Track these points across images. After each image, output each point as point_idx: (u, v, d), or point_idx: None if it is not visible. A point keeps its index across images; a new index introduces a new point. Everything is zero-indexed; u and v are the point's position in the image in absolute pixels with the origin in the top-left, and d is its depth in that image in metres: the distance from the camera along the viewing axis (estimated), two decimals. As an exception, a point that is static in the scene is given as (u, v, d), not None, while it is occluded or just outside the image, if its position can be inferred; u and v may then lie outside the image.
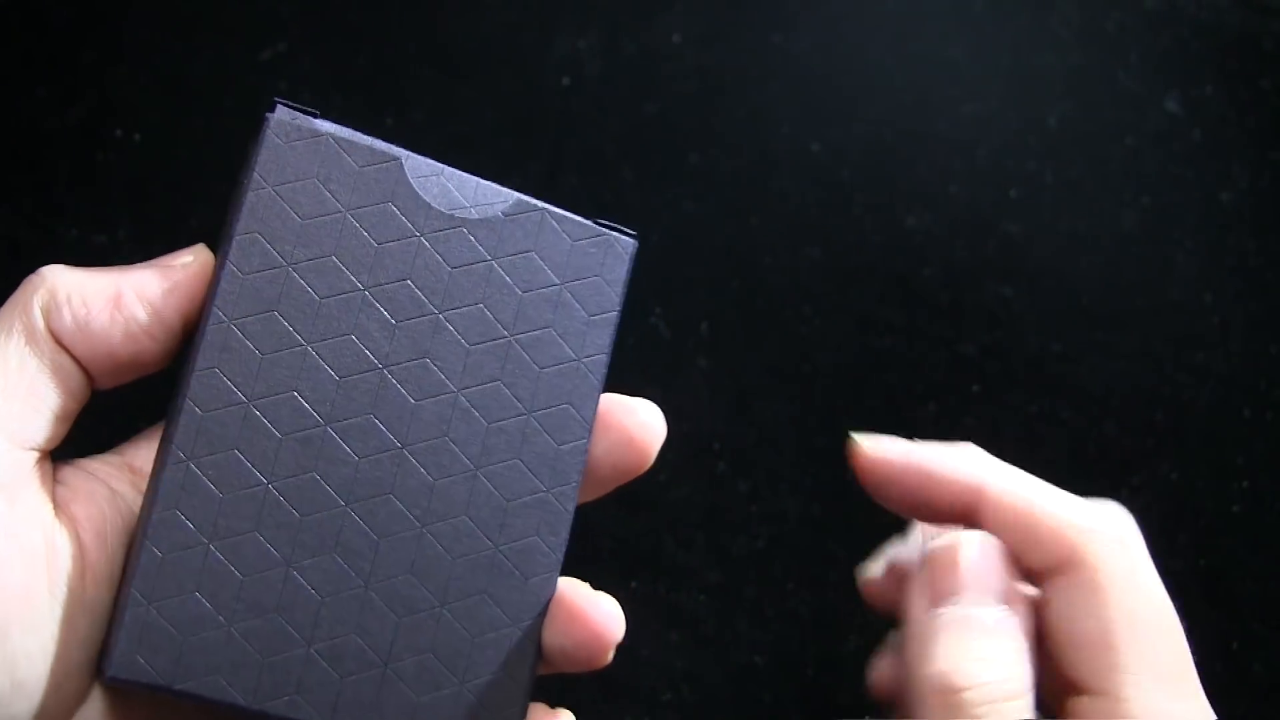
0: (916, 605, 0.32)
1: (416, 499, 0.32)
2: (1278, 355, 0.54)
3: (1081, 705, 0.31)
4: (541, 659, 0.32)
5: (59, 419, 0.30)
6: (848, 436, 0.34)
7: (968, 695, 0.29)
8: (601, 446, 0.33)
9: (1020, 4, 0.58)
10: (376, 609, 0.31)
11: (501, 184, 0.33)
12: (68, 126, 0.50)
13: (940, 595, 0.31)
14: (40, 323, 0.30)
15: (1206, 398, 0.52)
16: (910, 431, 0.51)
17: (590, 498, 0.34)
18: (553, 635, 0.32)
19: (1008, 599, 0.31)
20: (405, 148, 0.33)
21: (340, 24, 0.53)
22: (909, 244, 0.53)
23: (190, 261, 0.31)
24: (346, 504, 0.31)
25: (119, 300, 0.31)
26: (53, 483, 0.30)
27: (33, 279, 0.31)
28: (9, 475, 0.29)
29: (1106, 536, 0.31)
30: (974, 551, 0.32)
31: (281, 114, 0.32)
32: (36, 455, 0.30)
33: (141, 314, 0.31)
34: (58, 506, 0.30)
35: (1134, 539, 0.32)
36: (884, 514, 0.47)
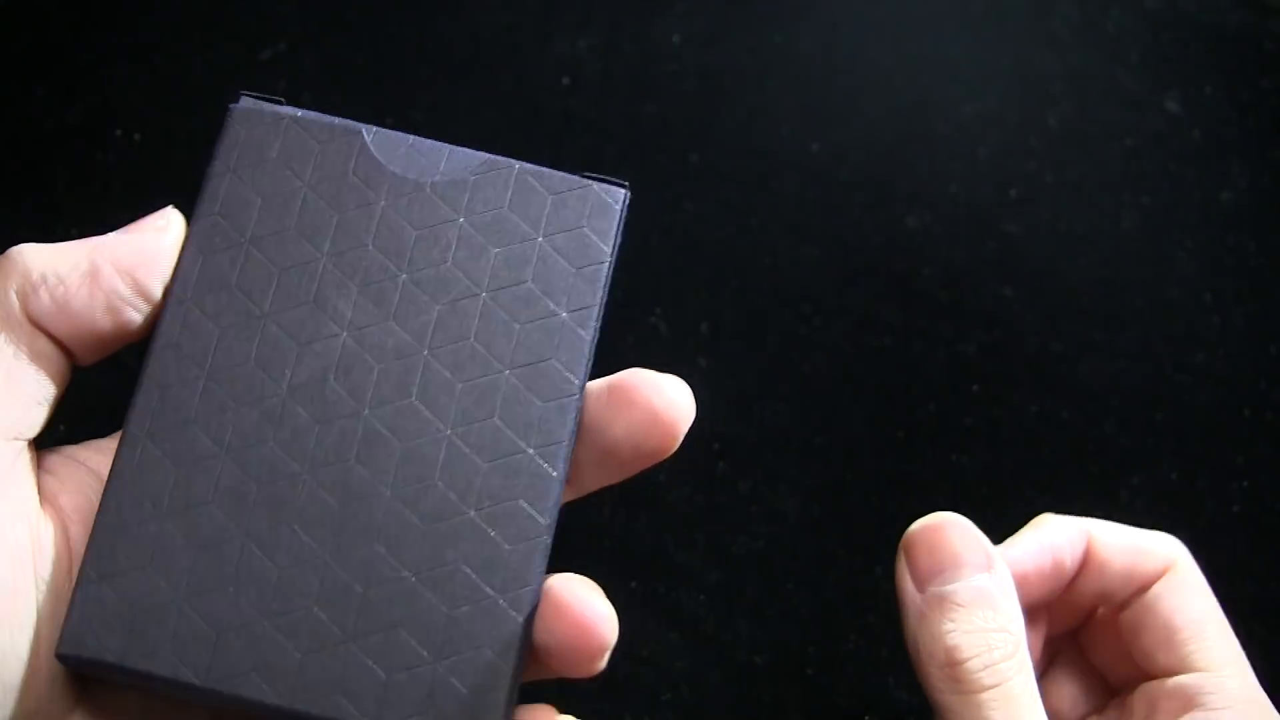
0: (906, 589, 0.33)
1: (383, 465, 0.30)
2: (1278, 355, 0.54)
3: (1172, 685, 0.34)
4: (531, 642, 0.29)
5: (41, 405, 0.29)
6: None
7: (969, 664, 0.31)
8: (622, 426, 0.31)
9: (1020, 4, 0.58)
10: (340, 581, 0.29)
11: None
12: (68, 126, 0.50)
13: (925, 575, 0.33)
14: (16, 307, 0.29)
15: (1206, 398, 0.52)
16: (910, 432, 0.51)
17: (612, 481, 0.32)
18: (538, 630, 0.29)
19: (986, 565, 0.33)
20: None
21: (340, 24, 0.53)
22: (909, 244, 0.53)
23: (164, 225, 0.31)
24: (307, 471, 0.30)
25: (97, 275, 0.30)
26: (38, 472, 0.29)
27: (4, 263, 0.30)
28: None
29: (1184, 550, 0.36)
30: (947, 529, 0.33)
31: (245, 103, 0.32)
32: (20, 445, 0.29)
33: (122, 287, 0.30)
34: (44, 497, 0.29)
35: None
36: (883, 514, 0.47)
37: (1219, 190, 0.56)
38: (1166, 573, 0.36)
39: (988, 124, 0.56)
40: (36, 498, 0.29)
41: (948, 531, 0.33)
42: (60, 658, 0.28)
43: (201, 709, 0.31)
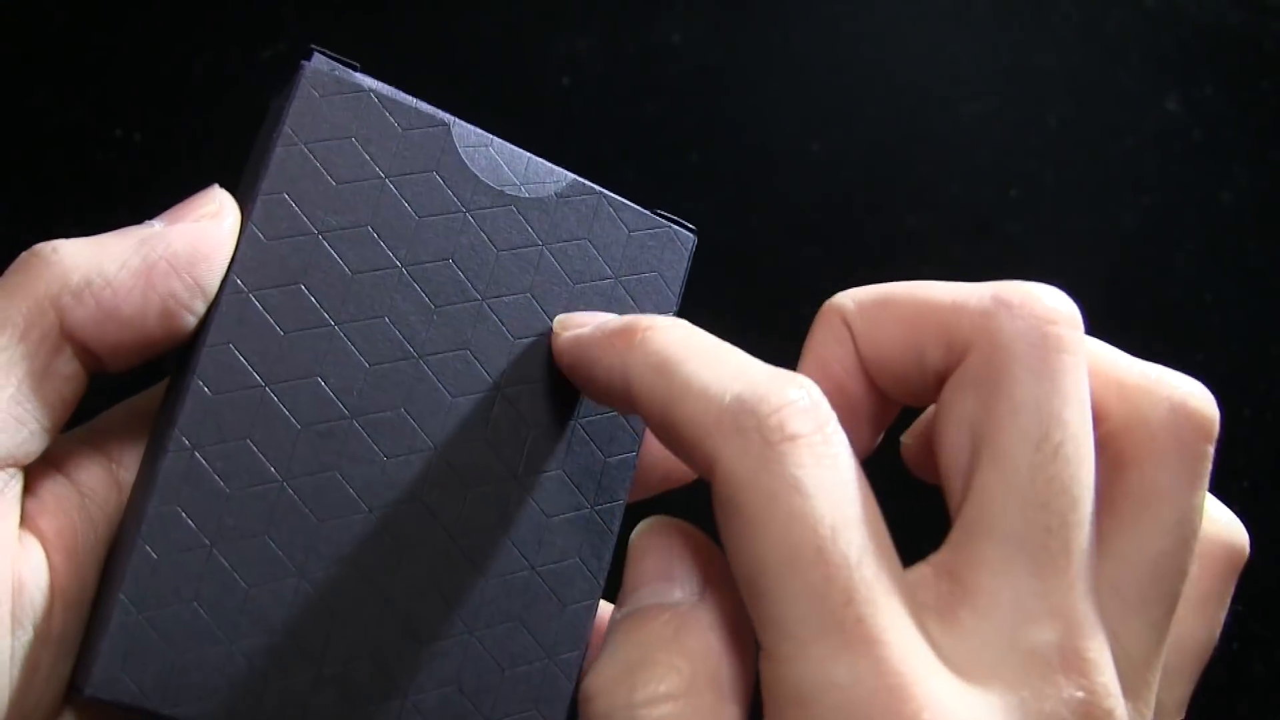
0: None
1: (450, 511, 0.27)
2: (1278, 355, 0.54)
3: (939, 560, 0.23)
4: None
5: (46, 431, 0.25)
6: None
7: (594, 705, 0.24)
8: (657, 452, 0.30)
9: (1020, 4, 0.58)
10: (398, 632, 0.27)
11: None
12: (68, 126, 0.50)
13: (623, 593, 0.26)
14: (50, 319, 0.25)
15: (1206, 398, 0.52)
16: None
17: (633, 499, 0.31)
18: (588, 662, 0.28)
19: (689, 586, 0.25)
20: None
21: (340, 24, 0.53)
22: (909, 244, 0.53)
23: (217, 210, 0.26)
24: (370, 510, 0.27)
25: (151, 274, 0.25)
26: (22, 496, 0.25)
27: (33, 263, 0.25)
28: None
29: (1018, 316, 0.24)
30: (651, 538, 0.26)
31: (318, 63, 0.28)
32: (13, 473, 0.25)
33: (180, 287, 0.26)
34: (27, 522, 0.25)
35: (1059, 334, 0.23)
36: (883, 515, 0.46)
37: (1219, 190, 0.56)
38: (966, 356, 0.24)
39: (988, 124, 0.56)
40: (17, 528, 0.25)
41: (643, 542, 0.26)
42: (86, 696, 0.25)
43: None
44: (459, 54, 0.54)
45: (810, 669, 0.21)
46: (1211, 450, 0.25)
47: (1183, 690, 0.25)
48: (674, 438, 0.23)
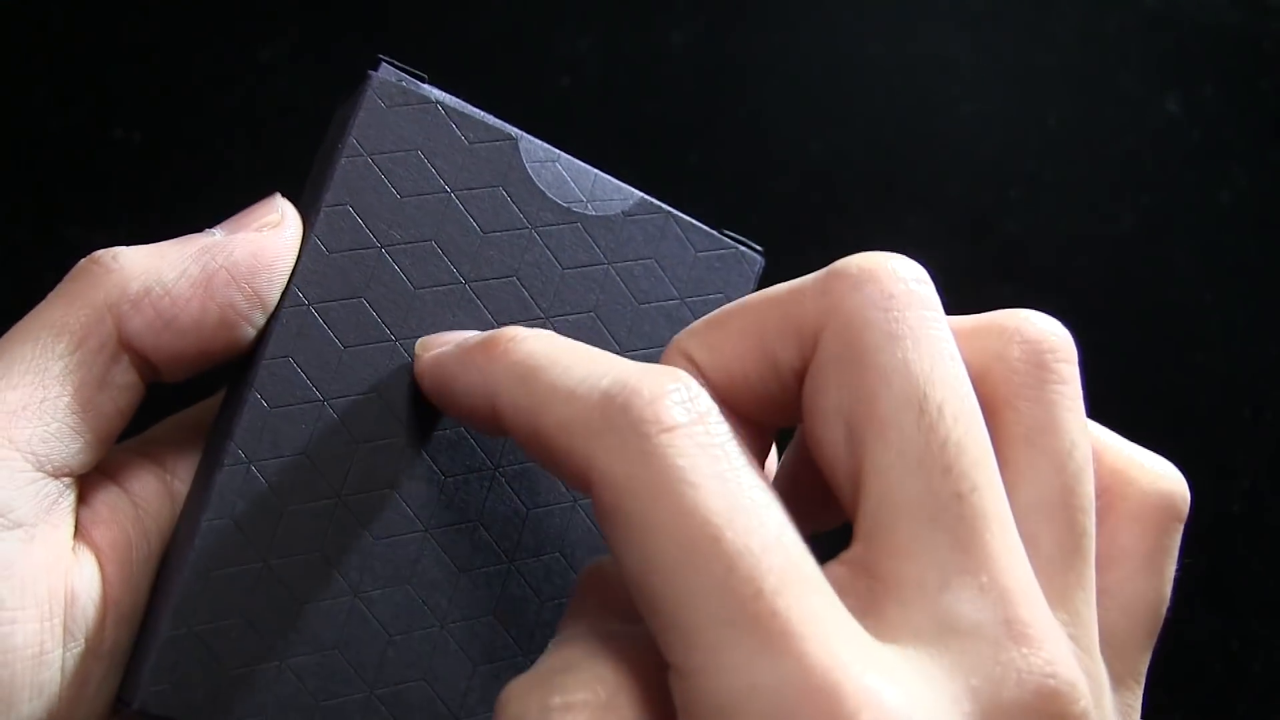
0: None
1: (506, 530, 0.27)
2: (1278, 355, 0.54)
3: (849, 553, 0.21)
4: None
5: (102, 441, 0.25)
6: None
7: (552, 717, 0.21)
8: None
9: (1020, 4, 0.58)
10: (451, 653, 0.26)
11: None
12: (68, 126, 0.50)
13: (561, 625, 0.25)
14: (109, 327, 0.25)
15: (1206, 398, 0.52)
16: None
17: None
18: None
19: (628, 620, 0.23)
20: None
21: (340, 24, 0.53)
22: (909, 243, 0.53)
23: (279, 220, 0.26)
24: (426, 529, 0.26)
25: (210, 284, 0.25)
26: (77, 506, 0.25)
27: (92, 270, 0.25)
28: (32, 510, 0.24)
29: (861, 284, 0.22)
30: (594, 575, 0.25)
31: (386, 73, 0.28)
32: (68, 483, 0.25)
33: (240, 298, 0.25)
34: (80, 533, 0.25)
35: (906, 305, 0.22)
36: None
37: (1219, 190, 0.56)
38: (818, 341, 0.23)
39: (988, 124, 0.56)
40: (72, 539, 0.25)
41: (586, 580, 0.25)
42: (130, 710, 0.25)
43: None
44: (458, 54, 0.54)
45: (727, 678, 0.18)
46: (1074, 370, 0.23)
47: (1138, 657, 0.24)
48: (545, 449, 0.22)
